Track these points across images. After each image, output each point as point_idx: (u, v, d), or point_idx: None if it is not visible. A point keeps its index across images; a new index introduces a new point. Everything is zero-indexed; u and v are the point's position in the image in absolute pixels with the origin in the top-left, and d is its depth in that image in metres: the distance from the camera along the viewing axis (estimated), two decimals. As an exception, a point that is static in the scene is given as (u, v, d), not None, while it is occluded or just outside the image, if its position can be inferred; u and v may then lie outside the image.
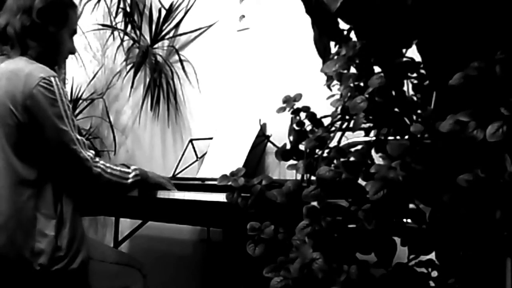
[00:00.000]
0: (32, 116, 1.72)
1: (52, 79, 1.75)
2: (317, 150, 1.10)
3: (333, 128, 1.11)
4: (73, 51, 1.97)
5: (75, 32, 1.96)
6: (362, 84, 1.06)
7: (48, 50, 1.86)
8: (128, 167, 1.87)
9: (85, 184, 1.81)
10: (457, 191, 0.90)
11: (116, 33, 3.03)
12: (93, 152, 1.79)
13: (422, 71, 1.08)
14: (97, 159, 1.78)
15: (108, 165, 1.80)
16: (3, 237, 1.73)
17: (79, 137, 1.76)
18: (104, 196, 2.02)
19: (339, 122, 1.10)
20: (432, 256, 1.01)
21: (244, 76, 2.50)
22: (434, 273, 1.02)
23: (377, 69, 1.07)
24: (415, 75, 1.08)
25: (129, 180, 1.84)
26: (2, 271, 1.76)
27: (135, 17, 2.91)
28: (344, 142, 1.12)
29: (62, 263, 1.74)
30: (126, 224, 2.70)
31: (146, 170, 1.93)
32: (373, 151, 1.04)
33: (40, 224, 1.74)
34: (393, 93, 1.04)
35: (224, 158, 2.30)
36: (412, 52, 1.11)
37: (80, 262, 1.78)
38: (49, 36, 1.85)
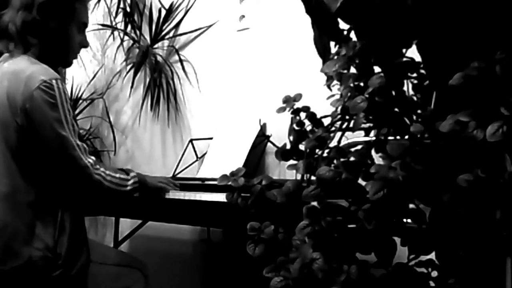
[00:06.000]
0: (31, 119, 1.66)
1: (54, 82, 1.68)
2: (317, 150, 1.10)
3: (333, 128, 1.10)
4: (85, 44, 1.91)
5: (85, 25, 1.90)
6: (362, 84, 1.05)
7: (52, 47, 1.80)
8: (128, 173, 1.81)
9: (85, 191, 1.76)
10: (457, 191, 0.90)
11: (116, 33, 3.03)
12: (93, 158, 1.72)
13: (422, 71, 1.08)
14: (97, 166, 1.71)
15: (108, 172, 1.73)
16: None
17: (79, 142, 1.69)
18: (103, 199, 1.99)
19: (339, 122, 1.10)
20: (432, 256, 1.01)
21: (244, 76, 2.50)
22: (434, 273, 1.02)
23: (377, 69, 1.07)
24: (415, 75, 1.08)
25: (128, 188, 1.78)
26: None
27: (135, 17, 2.91)
28: (344, 142, 1.12)
29: (61, 270, 1.70)
30: (126, 224, 2.70)
31: (145, 175, 1.88)
32: (373, 151, 1.04)
33: (39, 231, 1.69)
34: (393, 93, 1.04)
35: (224, 158, 2.30)
36: (412, 52, 1.11)
37: (79, 267, 1.74)
38: (50, 32, 1.78)
